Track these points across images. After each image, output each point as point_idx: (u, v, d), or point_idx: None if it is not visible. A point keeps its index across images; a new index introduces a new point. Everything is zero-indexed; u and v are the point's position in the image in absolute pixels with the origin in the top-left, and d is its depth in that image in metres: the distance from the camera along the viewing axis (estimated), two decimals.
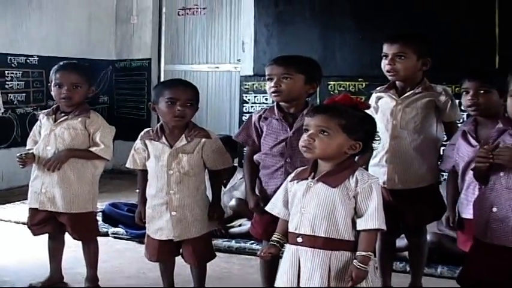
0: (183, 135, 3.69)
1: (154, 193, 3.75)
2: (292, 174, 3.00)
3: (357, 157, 3.02)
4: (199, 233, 3.75)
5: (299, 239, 2.83)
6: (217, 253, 4.10)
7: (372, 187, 2.78)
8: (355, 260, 2.73)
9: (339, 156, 2.83)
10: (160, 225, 3.75)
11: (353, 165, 2.87)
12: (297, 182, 2.92)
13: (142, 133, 3.83)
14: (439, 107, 3.82)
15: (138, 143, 3.82)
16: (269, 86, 3.58)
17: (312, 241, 2.80)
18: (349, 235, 2.80)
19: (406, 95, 3.83)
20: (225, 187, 5.69)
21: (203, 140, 3.71)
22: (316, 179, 2.85)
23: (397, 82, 3.88)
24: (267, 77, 3.61)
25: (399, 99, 3.83)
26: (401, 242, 4.44)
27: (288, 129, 3.53)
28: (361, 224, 2.78)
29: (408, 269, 4.35)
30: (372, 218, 2.75)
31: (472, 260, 3.19)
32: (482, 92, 3.51)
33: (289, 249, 2.89)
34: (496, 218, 2.98)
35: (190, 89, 3.74)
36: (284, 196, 2.98)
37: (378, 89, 4.02)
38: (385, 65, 3.84)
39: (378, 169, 3.86)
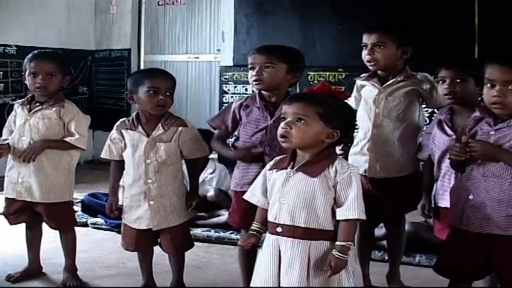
0: (160, 124, 3.69)
1: (132, 182, 3.75)
2: (271, 163, 2.98)
3: (338, 148, 3.02)
4: (178, 222, 3.76)
5: (279, 229, 2.82)
6: (196, 243, 4.12)
7: (352, 177, 2.77)
8: (334, 250, 2.73)
9: (316, 144, 2.82)
10: (138, 214, 3.75)
11: (332, 154, 2.85)
12: (276, 171, 2.91)
13: (118, 123, 3.82)
14: (423, 96, 3.82)
15: (114, 133, 3.81)
16: (251, 74, 3.58)
17: (292, 231, 2.79)
18: (329, 225, 2.79)
19: (388, 83, 3.82)
20: None
21: (180, 128, 3.71)
22: (295, 168, 2.83)
23: (379, 71, 3.88)
24: (249, 66, 3.61)
25: (381, 88, 3.83)
26: (380, 231, 4.47)
27: (269, 117, 3.54)
28: (340, 214, 2.76)
29: (386, 257, 4.38)
30: (352, 208, 2.74)
31: (448, 248, 3.22)
32: (458, 80, 3.52)
33: (268, 239, 2.88)
34: (473, 205, 3.01)
35: (170, 78, 3.76)
36: (263, 185, 2.97)
37: (361, 76, 4.01)
38: (365, 55, 3.84)
39: (359, 157, 3.87)
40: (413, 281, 4.25)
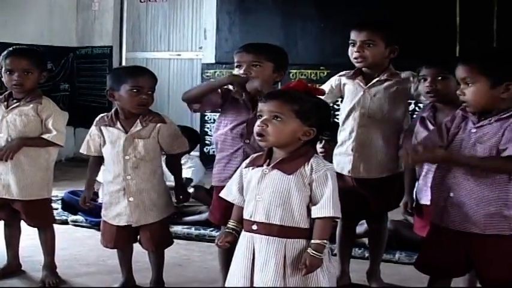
0: (138, 121, 3.69)
1: (111, 179, 3.75)
2: (247, 160, 2.98)
3: (319, 146, 3.00)
4: (157, 218, 3.76)
5: (254, 227, 2.81)
6: (177, 240, 4.12)
7: (327, 175, 2.76)
8: (309, 248, 2.72)
9: (293, 142, 2.81)
10: (118, 211, 3.76)
11: (308, 152, 2.84)
12: (252, 169, 2.89)
13: (97, 119, 3.82)
14: (412, 94, 3.81)
15: (93, 129, 3.82)
16: (238, 73, 3.56)
17: (267, 229, 2.78)
18: (305, 223, 2.78)
19: (373, 82, 3.82)
20: None
21: (158, 124, 3.71)
22: (271, 166, 2.83)
23: (363, 69, 3.87)
24: (235, 64, 3.59)
25: (366, 88, 3.82)
26: (360, 228, 4.48)
27: (251, 111, 3.52)
28: (315, 212, 2.75)
29: (366, 255, 4.39)
30: (327, 206, 2.73)
31: (428, 245, 3.23)
32: (439, 78, 3.54)
33: (244, 237, 2.87)
34: (453, 203, 3.01)
35: (152, 77, 3.76)
36: (239, 182, 2.96)
37: (343, 73, 3.98)
38: (352, 52, 3.81)
39: (343, 158, 3.87)
40: (393, 278, 4.27)
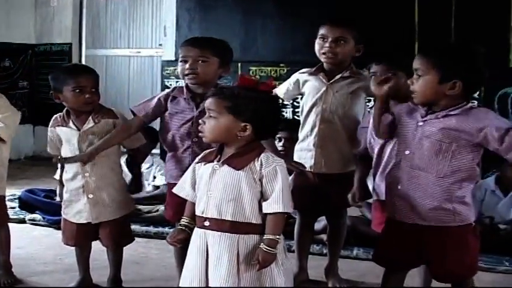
0: (90, 118, 3.69)
1: (71, 177, 3.75)
2: (200, 156, 2.97)
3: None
4: (117, 215, 3.77)
5: (206, 223, 2.81)
6: (135, 238, 4.08)
7: (277, 170, 2.75)
8: (262, 244, 2.72)
9: (231, 139, 2.80)
10: (78, 208, 3.76)
11: (258, 148, 2.83)
12: (204, 164, 2.89)
13: (51, 120, 3.84)
14: (370, 93, 3.81)
15: (49, 131, 3.84)
16: (183, 68, 3.53)
17: (219, 225, 2.77)
18: (257, 218, 2.78)
19: (335, 79, 3.83)
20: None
21: (112, 120, 3.72)
22: (221, 162, 2.82)
23: (326, 66, 3.88)
24: (180, 59, 3.56)
25: (328, 84, 3.84)
26: (318, 224, 4.50)
27: (195, 108, 3.50)
28: (266, 208, 2.75)
29: (324, 251, 4.41)
30: (277, 201, 2.73)
31: (383, 238, 3.28)
32: (389, 75, 3.55)
33: (196, 233, 2.87)
34: (400, 195, 3.08)
35: (94, 75, 3.78)
36: (191, 177, 2.95)
37: (304, 70, 4.00)
38: (322, 47, 3.82)
39: (305, 153, 3.89)
40: (350, 274, 4.32)
